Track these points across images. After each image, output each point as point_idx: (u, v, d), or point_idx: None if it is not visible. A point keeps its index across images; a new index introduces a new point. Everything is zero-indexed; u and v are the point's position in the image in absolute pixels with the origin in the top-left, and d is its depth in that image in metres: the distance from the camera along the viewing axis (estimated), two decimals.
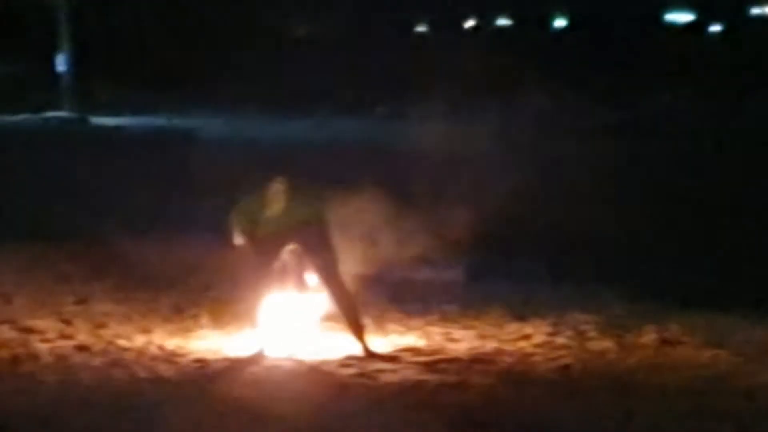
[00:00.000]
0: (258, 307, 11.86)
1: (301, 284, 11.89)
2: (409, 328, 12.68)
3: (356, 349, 11.69)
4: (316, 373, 11.08)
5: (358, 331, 11.80)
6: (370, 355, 11.57)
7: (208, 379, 10.97)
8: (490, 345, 12.18)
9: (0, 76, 45.08)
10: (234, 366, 11.56)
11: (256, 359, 11.61)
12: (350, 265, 12.16)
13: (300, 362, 11.44)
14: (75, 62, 44.16)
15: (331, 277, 11.69)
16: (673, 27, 79.30)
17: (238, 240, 11.76)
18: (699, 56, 58.52)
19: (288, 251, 11.71)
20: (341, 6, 66.89)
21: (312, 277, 11.86)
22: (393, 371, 11.08)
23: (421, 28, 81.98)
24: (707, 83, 49.35)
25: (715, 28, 74.98)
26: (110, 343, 12.30)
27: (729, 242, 18.15)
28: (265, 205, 11.76)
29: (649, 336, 12.58)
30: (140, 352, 11.86)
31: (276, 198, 11.73)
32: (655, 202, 22.71)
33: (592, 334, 12.63)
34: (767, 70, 51.65)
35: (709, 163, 29.61)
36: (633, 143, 33.48)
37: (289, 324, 12.04)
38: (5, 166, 28.74)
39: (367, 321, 12.23)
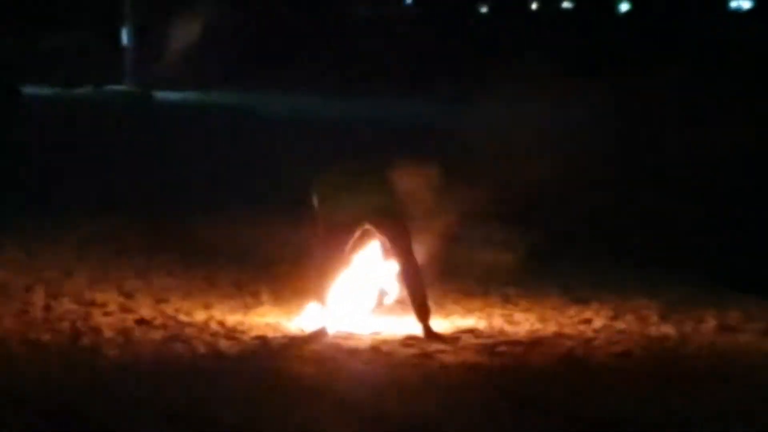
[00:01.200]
0: (324, 285, 12.02)
1: (371, 264, 12.13)
2: (470, 310, 12.80)
3: (418, 330, 11.81)
4: (376, 352, 11.16)
5: (423, 312, 11.90)
6: (431, 336, 11.65)
7: (268, 356, 11.11)
8: (550, 328, 12.29)
9: (64, 48, 46.30)
10: (294, 343, 11.66)
11: (317, 337, 11.68)
12: (414, 246, 12.47)
13: (361, 341, 11.53)
14: (137, 37, 45.09)
15: (405, 261, 11.82)
16: (737, 13, 79.14)
17: (316, 214, 12.07)
18: (761, 44, 58.42)
19: (363, 231, 11.89)
20: None
21: (385, 258, 12.16)
22: (453, 352, 11.18)
23: (483, 10, 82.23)
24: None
25: None
26: (171, 317, 12.54)
27: None
28: (343, 184, 12.03)
29: (709, 323, 12.63)
30: (201, 328, 12.01)
31: (354, 179, 12.07)
32: (717, 190, 22.02)
33: (653, 319, 12.70)
34: None
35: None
36: (696, 131, 31.49)
37: (352, 303, 12.24)
38: (70, 138, 29.50)
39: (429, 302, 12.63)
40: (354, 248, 12.26)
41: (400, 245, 11.92)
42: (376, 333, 11.87)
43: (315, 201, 12.20)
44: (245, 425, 9.00)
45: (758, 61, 50.14)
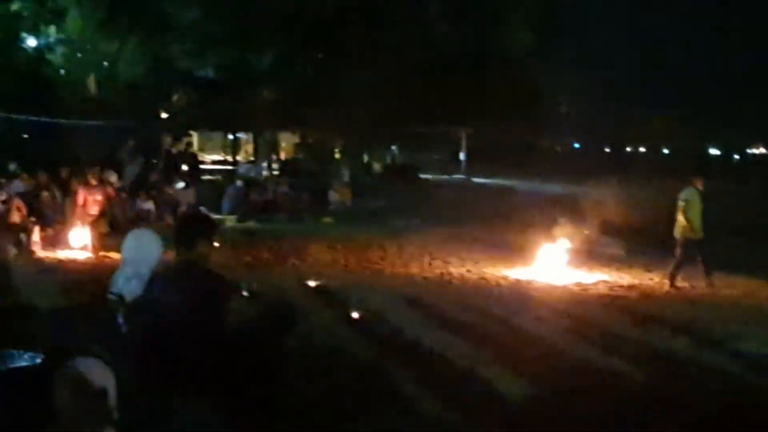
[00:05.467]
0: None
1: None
2: (602, 272, 15.77)
3: (582, 279, 14.69)
4: (564, 288, 14.29)
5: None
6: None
7: (520, 287, 14.29)
8: (635, 280, 15.09)
9: (439, 159, 53.17)
10: (533, 284, 14.56)
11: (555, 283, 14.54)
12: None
13: (553, 285, 14.46)
14: (467, 153, 50.24)
15: None
16: None
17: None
18: None
19: None
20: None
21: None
22: (596, 288, 14.32)
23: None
24: None
25: None
26: (480, 270, 15.73)
27: None
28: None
29: (702, 283, 14.81)
30: (491, 275, 15.23)
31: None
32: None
33: (678, 278, 14.93)
34: None
35: None
36: None
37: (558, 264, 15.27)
38: (437, 193, 33.71)
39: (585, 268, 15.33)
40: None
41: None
42: (563, 280, 14.78)
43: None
44: (508, 315, 11.57)
45: None
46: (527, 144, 55.33)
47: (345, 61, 33.11)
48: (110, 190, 18.17)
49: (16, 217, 16.11)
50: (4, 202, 16.12)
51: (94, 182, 17.57)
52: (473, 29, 34.97)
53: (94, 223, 16.73)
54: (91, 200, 17.16)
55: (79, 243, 16.52)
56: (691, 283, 14.58)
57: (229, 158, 43.83)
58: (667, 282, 14.50)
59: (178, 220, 6.25)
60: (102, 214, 17.14)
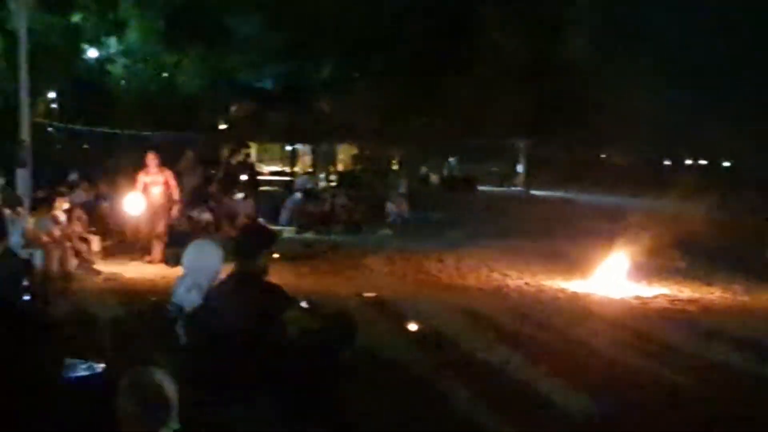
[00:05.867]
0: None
1: None
2: (662, 285, 15.65)
3: (638, 292, 14.59)
4: (623, 301, 14.20)
5: None
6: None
7: (578, 298, 14.36)
8: (695, 294, 14.94)
9: (492, 172, 53.46)
10: (587, 297, 14.52)
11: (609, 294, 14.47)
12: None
13: (611, 298, 14.41)
14: (525, 165, 49.93)
15: None
16: None
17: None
18: None
19: None
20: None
21: None
22: (656, 301, 14.23)
23: None
24: None
25: None
26: (538, 283, 15.74)
27: None
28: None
29: (764, 296, 14.98)
30: (549, 288, 15.24)
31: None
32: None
33: (739, 292, 15.31)
34: None
35: None
36: None
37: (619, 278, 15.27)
38: (495, 205, 33.60)
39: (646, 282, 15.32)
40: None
41: None
42: (623, 293, 14.72)
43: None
44: (566, 328, 11.69)
45: None
46: (587, 155, 54.74)
47: (403, 73, 33.10)
48: (170, 178, 17.40)
49: (76, 227, 16.13)
50: (66, 211, 15.91)
51: (154, 166, 16.92)
52: (532, 40, 34.83)
53: (159, 233, 16.88)
54: (152, 187, 16.87)
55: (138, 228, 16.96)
56: (754, 296, 14.71)
57: (287, 169, 44.12)
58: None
59: (238, 232, 6.29)
60: (165, 205, 16.98)
